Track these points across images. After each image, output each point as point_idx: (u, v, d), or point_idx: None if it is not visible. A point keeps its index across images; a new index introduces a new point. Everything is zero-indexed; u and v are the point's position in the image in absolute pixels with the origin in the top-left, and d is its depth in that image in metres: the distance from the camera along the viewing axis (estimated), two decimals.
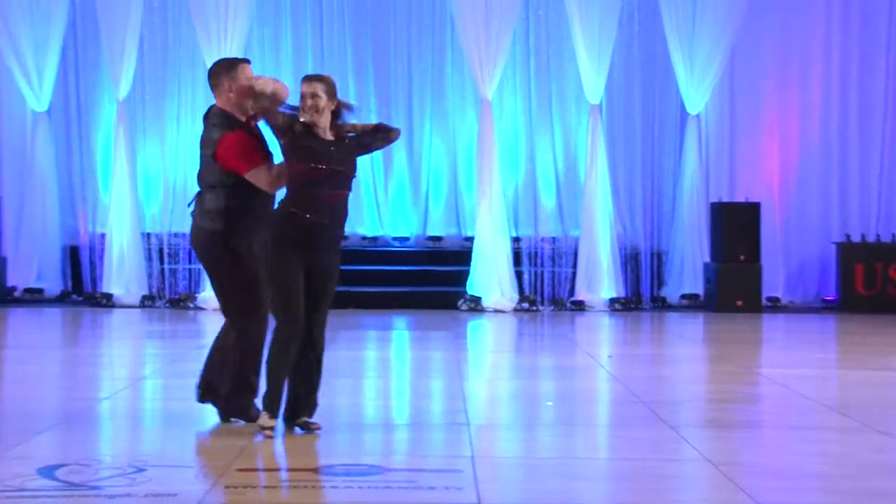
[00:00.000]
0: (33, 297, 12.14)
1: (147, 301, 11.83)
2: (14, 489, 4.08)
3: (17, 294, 12.16)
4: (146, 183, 12.39)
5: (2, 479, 4.23)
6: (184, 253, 12.05)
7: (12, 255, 12.24)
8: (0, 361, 8.24)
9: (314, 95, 5.19)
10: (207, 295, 11.57)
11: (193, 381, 7.21)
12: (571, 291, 12.03)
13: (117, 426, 5.78)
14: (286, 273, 5.13)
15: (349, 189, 5.29)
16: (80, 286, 12.31)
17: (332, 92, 5.25)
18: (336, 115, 5.28)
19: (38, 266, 12.25)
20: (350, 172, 5.26)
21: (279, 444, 5.29)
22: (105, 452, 5.06)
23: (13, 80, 12.13)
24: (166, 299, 11.91)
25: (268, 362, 5.18)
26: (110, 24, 11.72)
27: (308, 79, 5.27)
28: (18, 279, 12.20)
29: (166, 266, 12.05)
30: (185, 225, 12.22)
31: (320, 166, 5.14)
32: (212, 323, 10.58)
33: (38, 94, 12.11)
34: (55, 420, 5.64)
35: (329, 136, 5.25)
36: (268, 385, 5.15)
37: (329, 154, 5.17)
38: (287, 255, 5.13)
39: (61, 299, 12.26)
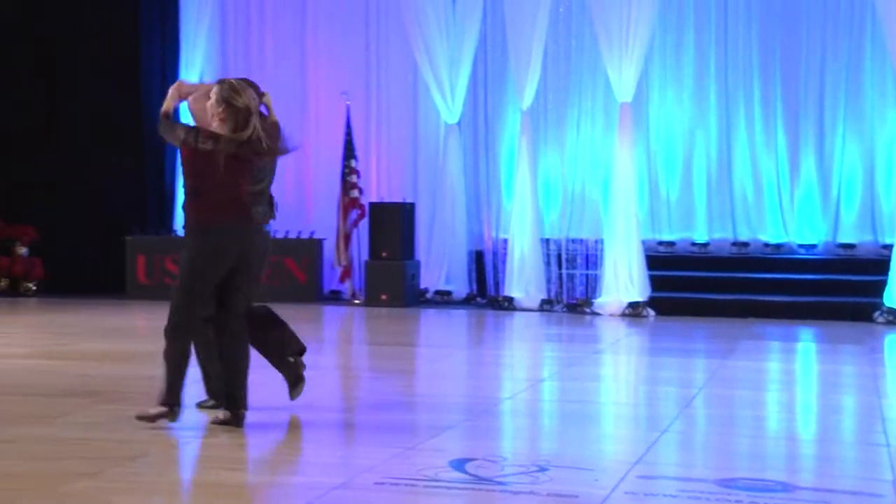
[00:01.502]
0: (442, 299, 12.90)
1: (545, 305, 12.14)
2: (430, 479, 4.32)
3: (428, 296, 12.99)
4: (546, 190, 12.74)
5: (419, 468, 4.49)
6: (581, 258, 12.25)
7: (425, 259, 13.11)
8: (413, 359, 8.81)
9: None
10: (605, 300, 11.66)
11: (591, 384, 7.32)
12: None
13: (519, 425, 5.95)
14: None
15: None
16: (484, 289, 12.89)
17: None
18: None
19: (447, 269, 13.00)
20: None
21: (679, 453, 5.19)
22: (508, 450, 5.22)
23: (429, 94, 13.01)
24: (564, 303, 12.16)
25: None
26: (518, 36, 12.17)
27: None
28: (430, 281, 13.02)
29: (564, 271, 12.29)
30: (582, 230, 12.53)
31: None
32: (609, 328, 10.66)
33: (450, 107, 12.88)
34: (463, 416, 5.92)
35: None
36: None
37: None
38: None
39: (467, 301, 12.91)
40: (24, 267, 13.38)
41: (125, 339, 8.39)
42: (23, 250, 13.45)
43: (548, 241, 12.37)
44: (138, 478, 4.32)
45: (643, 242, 11.80)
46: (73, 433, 5.12)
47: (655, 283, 11.66)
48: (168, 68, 13.62)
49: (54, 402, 5.75)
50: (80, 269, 13.36)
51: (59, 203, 13.60)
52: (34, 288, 13.39)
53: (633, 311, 11.41)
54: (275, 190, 15.41)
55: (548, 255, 12.28)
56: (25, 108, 13.70)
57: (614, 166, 11.82)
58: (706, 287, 11.87)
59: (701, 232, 12.78)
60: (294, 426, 5.52)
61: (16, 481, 4.20)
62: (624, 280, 11.53)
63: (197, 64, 13.50)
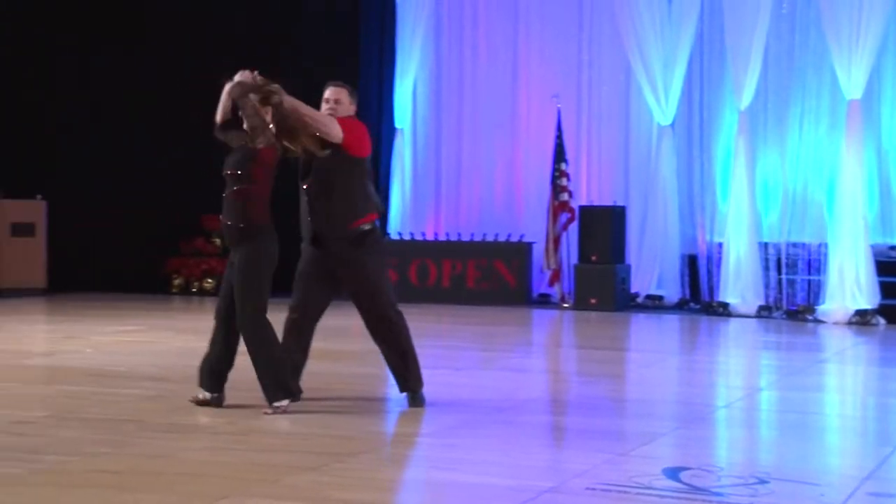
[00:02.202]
0: (653, 304, 12.66)
1: (763, 311, 11.70)
2: (643, 486, 4.23)
3: (639, 300, 12.78)
4: (765, 192, 12.29)
5: (631, 475, 4.41)
6: (802, 263, 11.73)
7: (635, 263, 12.90)
8: (624, 364, 8.68)
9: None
10: (829, 307, 11.12)
11: (813, 394, 6.99)
12: None
13: (735, 435, 5.75)
14: None
15: (237, 188, 5.69)
16: (698, 294, 12.56)
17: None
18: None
19: (658, 273, 12.76)
20: (234, 174, 5.69)
21: None
22: (725, 460, 5.05)
23: (641, 95, 12.81)
24: (783, 310, 11.68)
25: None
26: (737, 35, 11.81)
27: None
28: (640, 286, 12.81)
29: (784, 276, 11.81)
30: (804, 234, 11.99)
31: (226, 172, 5.76)
32: (834, 337, 10.15)
33: (663, 108, 12.64)
34: (675, 423, 5.78)
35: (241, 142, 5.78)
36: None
37: (229, 160, 5.75)
38: None
39: (679, 306, 12.62)
40: None
41: (342, 339, 8.67)
42: None
43: (766, 244, 11.93)
44: (356, 474, 4.45)
45: (872, 246, 11.18)
46: (296, 428, 5.33)
47: (886, 289, 11.03)
48: (385, 78, 14.01)
49: None
50: None
51: (284, 207, 14.22)
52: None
53: (861, 319, 10.83)
54: (485, 193, 15.53)
55: (766, 260, 11.85)
56: None
57: (840, 166, 11.27)
58: None
59: None
60: (504, 428, 5.54)
61: (245, 471, 4.41)
62: (850, 286, 10.96)
63: (411, 71, 13.82)
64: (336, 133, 5.85)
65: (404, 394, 5.95)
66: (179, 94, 14.17)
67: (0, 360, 7.93)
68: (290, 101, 5.81)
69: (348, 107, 6.06)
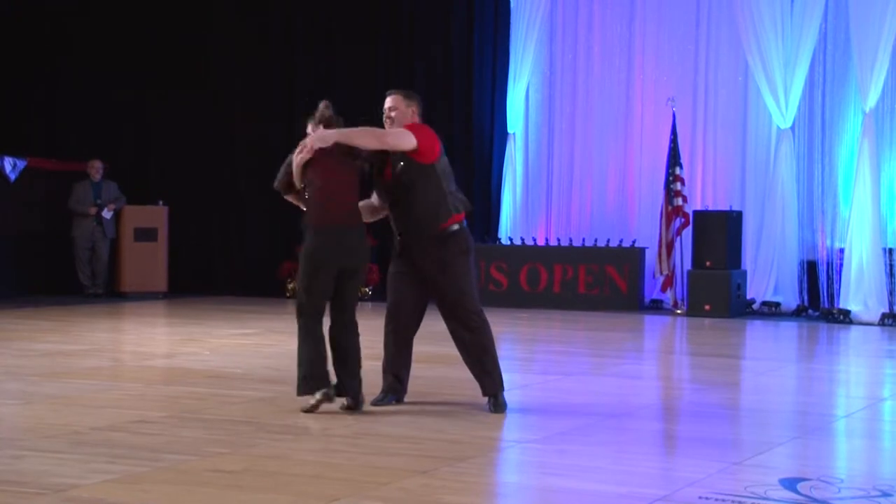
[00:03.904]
0: (770, 311, 12.38)
1: (887, 319, 11.33)
2: (758, 497, 4.15)
3: (755, 306, 12.52)
4: (890, 196, 11.89)
5: (746, 485, 4.33)
6: None
7: (751, 268, 12.64)
8: (738, 371, 8.51)
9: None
10: None
11: None
12: None
13: (856, 446, 5.58)
14: None
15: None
16: (817, 301, 12.24)
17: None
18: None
19: (775, 279, 12.48)
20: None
21: None
22: (844, 471, 4.91)
23: (760, 97, 12.54)
24: None
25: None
26: (863, 31, 11.49)
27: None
28: (756, 292, 12.55)
29: None
30: None
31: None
32: None
33: (783, 111, 12.35)
34: (792, 433, 5.64)
35: None
36: None
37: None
38: None
39: (797, 313, 12.31)
40: None
41: (448, 343, 8.71)
42: None
43: (891, 250, 11.57)
44: (467, 478, 4.47)
45: None
46: (409, 431, 5.38)
47: None
48: (498, 82, 14.03)
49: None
50: None
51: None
52: (370, 292, 14.25)
53: None
54: (597, 198, 15.38)
55: (890, 266, 11.50)
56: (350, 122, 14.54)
57: None
58: None
59: None
60: (615, 434, 5.50)
61: (358, 473, 4.48)
62: None
63: (524, 75, 13.81)
64: (408, 143, 5.79)
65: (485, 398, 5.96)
66: (297, 101, 14.45)
67: (124, 362, 8.23)
68: (345, 135, 5.85)
69: (405, 110, 5.95)
